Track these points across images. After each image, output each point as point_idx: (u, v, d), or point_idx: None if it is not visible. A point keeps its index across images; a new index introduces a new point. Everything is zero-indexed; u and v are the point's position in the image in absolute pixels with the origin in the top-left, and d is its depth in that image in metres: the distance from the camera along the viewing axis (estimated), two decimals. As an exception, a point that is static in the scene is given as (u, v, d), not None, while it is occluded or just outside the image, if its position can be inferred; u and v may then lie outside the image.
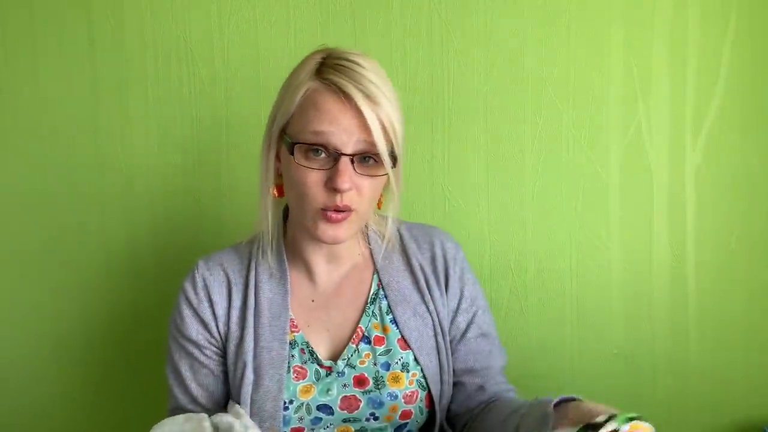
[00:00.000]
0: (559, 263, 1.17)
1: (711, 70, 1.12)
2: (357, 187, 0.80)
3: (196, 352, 0.88)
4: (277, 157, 0.86)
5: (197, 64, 1.18)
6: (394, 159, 0.81)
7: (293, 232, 0.90)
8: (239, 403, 0.85)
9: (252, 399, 0.84)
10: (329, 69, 0.80)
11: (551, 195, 1.15)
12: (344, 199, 0.79)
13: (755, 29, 1.10)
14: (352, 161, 0.79)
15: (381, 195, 0.88)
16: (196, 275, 0.90)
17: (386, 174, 0.81)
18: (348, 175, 0.78)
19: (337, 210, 0.79)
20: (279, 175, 0.86)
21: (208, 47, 1.17)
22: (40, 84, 1.19)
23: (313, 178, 0.79)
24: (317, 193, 0.79)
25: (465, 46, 1.14)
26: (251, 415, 0.84)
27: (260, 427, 0.82)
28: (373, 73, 0.80)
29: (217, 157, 1.19)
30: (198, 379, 0.89)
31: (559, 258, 1.16)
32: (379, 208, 0.90)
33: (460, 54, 1.15)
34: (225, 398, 0.90)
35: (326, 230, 0.81)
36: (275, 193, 0.87)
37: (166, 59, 1.18)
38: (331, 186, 0.78)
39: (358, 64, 0.80)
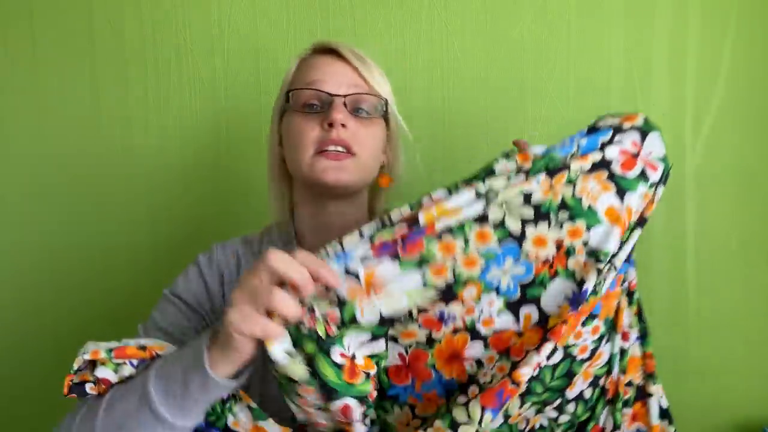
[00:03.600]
0: (559, 263, 1.17)
1: (711, 70, 1.12)
2: (353, 130, 0.82)
3: (186, 311, 0.85)
4: (280, 143, 0.89)
5: (197, 64, 1.18)
6: (386, 117, 0.87)
7: (301, 227, 0.90)
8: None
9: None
10: (318, 43, 0.88)
11: (551, 195, 1.15)
12: (341, 135, 0.81)
13: (755, 29, 1.10)
14: (345, 105, 0.82)
15: (387, 173, 0.91)
16: (213, 253, 0.90)
17: (377, 119, 0.85)
18: (341, 110, 0.81)
19: (336, 149, 0.81)
20: (282, 160, 0.89)
21: (208, 47, 1.17)
22: (40, 84, 1.19)
23: (310, 123, 0.82)
24: (313, 134, 0.81)
25: (465, 47, 1.14)
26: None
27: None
28: (360, 51, 0.87)
29: (217, 156, 1.19)
30: (168, 320, 0.84)
31: (559, 258, 1.16)
32: (386, 185, 0.91)
33: (460, 54, 1.15)
34: None
35: (327, 169, 0.81)
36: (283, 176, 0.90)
37: (166, 59, 1.18)
38: (327, 122, 0.80)
39: (345, 43, 0.87)
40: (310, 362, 0.63)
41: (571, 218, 0.67)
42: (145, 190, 1.20)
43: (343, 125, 0.81)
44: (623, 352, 0.77)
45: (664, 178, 0.71)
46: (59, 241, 1.21)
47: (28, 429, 1.25)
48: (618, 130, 0.71)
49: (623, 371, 0.77)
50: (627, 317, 0.77)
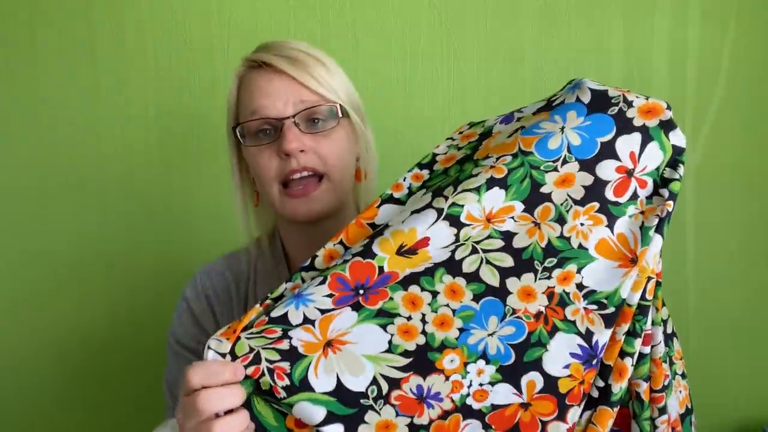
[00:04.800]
0: (559, 263, 1.17)
1: (711, 70, 1.11)
2: (313, 150, 0.76)
3: (191, 356, 0.83)
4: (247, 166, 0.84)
5: (197, 64, 1.18)
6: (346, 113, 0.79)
7: (286, 239, 0.86)
8: None
9: None
10: (251, 54, 0.81)
11: (551, 195, 1.15)
12: (301, 162, 0.75)
13: (755, 29, 1.10)
14: (297, 124, 0.76)
15: (359, 167, 0.84)
16: (198, 282, 0.86)
17: (336, 125, 0.78)
18: (293, 134, 0.75)
19: (301, 176, 0.76)
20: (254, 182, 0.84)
21: (208, 47, 1.17)
22: (40, 84, 1.19)
23: (266, 154, 0.77)
24: (272, 167, 0.76)
25: (465, 46, 1.14)
26: None
27: None
28: (298, 45, 0.79)
29: (217, 157, 1.19)
30: None
31: (559, 258, 1.16)
32: (358, 180, 0.85)
33: (459, 54, 1.15)
34: None
35: (297, 207, 0.77)
36: (255, 200, 0.85)
37: (166, 59, 1.18)
38: (282, 152, 0.75)
39: (277, 41, 0.80)
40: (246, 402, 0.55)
41: (560, 264, 0.57)
42: (146, 189, 1.20)
43: (301, 150, 0.75)
44: (642, 356, 0.59)
45: (659, 186, 0.61)
46: (58, 240, 1.21)
47: (27, 429, 1.25)
48: (624, 127, 0.59)
49: (645, 379, 0.59)
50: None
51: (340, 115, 0.78)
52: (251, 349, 0.55)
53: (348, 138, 0.81)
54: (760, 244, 1.13)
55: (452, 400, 0.55)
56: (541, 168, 0.59)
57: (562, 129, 0.61)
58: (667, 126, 0.60)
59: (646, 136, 0.59)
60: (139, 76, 1.18)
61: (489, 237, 0.59)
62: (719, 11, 1.10)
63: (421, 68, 1.15)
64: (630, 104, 0.60)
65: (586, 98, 0.61)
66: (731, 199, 1.13)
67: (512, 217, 0.59)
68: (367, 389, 0.55)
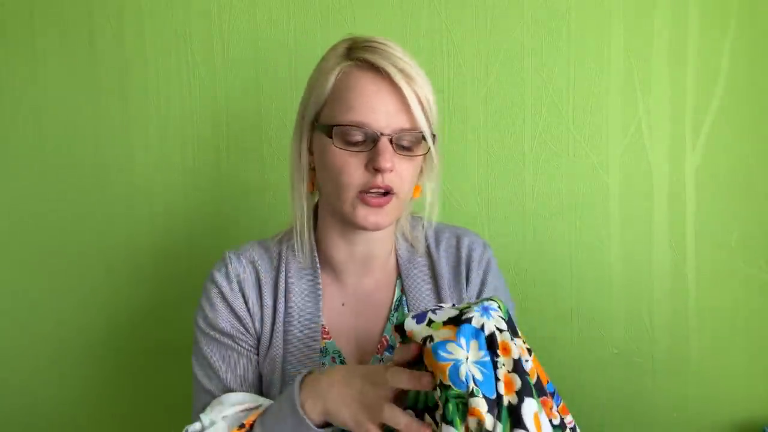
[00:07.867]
0: (559, 263, 1.16)
1: (711, 70, 1.12)
2: (398, 171, 0.78)
3: (230, 343, 0.84)
4: (309, 150, 0.84)
5: (197, 64, 1.18)
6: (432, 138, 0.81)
7: (324, 233, 0.87)
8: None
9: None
10: (359, 50, 0.79)
11: (551, 195, 1.15)
12: (386, 180, 0.77)
13: (755, 29, 1.10)
14: (391, 141, 0.77)
15: (418, 183, 0.86)
16: (229, 267, 0.86)
17: (425, 153, 0.81)
18: (389, 154, 0.76)
19: (378, 191, 0.78)
20: (311, 169, 0.84)
21: (208, 47, 1.17)
22: (40, 84, 1.19)
23: (353, 161, 0.77)
24: (357, 176, 0.77)
25: (465, 46, 1.14)
26: None
27: None
28: (401, 53, 0.80)
29: (217, 156, 1.19)
30: (235, 370, 0.83)
31: (559, 258, 1.16)
32: (415, 197, 0.87)
33: (460, 54, 1.15)
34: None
35: (368, 216, 0.78)
36: (309, 187, 0.85)
37: (166, 59, 1.18)
38: (373, 167, 0.76)
39: (386, 45, 0.80)
40: None
41: None
42: (146, 189, 1.20)
43: (390, 170, 0.77)
44: None
45: None
46: (59, 240, 1.21)
47: (27, 428, 1.25)
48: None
49: None
50: None
51: (431, 145, 0.80)
52: None
53: (421, 163, 0.84)
54: (760, 243, 1.13)
55: None
56: (461, 398, 0.62)
57: (467, 359, 0.62)
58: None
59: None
60: (139, 76, 1.18)
61: None
62: (719, 11, 1.10)
63: (421, 67, 1.15)
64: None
65: (487, 331, 0.63)
66: (731, 199, 1.13)
67: None
68: None
